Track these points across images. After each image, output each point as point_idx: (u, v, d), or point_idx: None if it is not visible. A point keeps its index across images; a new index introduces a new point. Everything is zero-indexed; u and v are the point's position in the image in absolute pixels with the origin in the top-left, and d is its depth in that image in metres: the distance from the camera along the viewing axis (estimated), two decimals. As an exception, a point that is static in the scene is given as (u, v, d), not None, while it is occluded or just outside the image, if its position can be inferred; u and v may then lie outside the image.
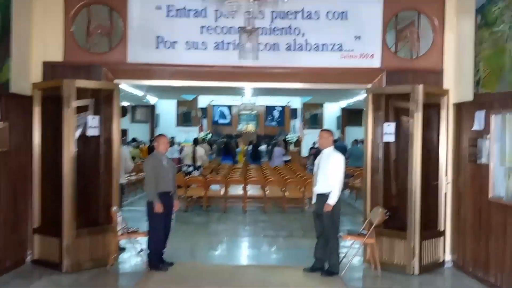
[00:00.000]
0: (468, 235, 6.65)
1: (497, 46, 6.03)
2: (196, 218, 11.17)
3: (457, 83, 7.08)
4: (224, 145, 19.97)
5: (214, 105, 26.65)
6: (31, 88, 7.00)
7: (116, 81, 7.36)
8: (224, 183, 12.01)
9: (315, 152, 15.32)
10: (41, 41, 7.16)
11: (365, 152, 7.34)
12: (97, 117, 7.08)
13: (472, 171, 6.55)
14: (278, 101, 26.25)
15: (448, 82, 7.18)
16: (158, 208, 6.63)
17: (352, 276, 6.81)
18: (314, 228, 6.83)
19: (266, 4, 4.72)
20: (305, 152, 23.63)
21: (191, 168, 13.09)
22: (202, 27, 7.29)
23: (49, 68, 7.18)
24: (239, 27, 5.64)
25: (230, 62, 7.24)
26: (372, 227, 6.67)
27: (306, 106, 25.82)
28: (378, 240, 6.79)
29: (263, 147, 23.03)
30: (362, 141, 17.50)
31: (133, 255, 7.31)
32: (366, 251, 7.16)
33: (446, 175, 7.06)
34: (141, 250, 6.99)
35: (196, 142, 13.80)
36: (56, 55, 7.21)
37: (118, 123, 7.24)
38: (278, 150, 17.76)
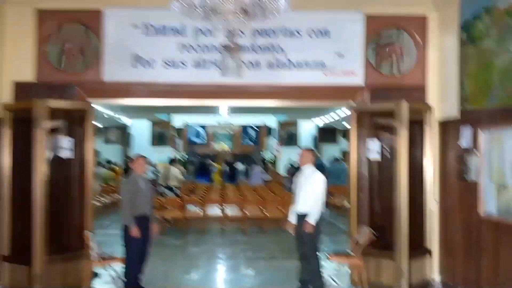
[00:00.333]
0: (457, 254, 6.51)
1: (483, 62, 5.97)
2: (173, 241, 10.83)
3: (442, 100, 7.02)
4: (200, 165, 19.67)
5: (189, 125, 26.42)
6: (1, 109, 6.70)
7: (91, 100, 7.08)
8: (201, 204, 11.71)
9: (294, 170, 15.19)
10: (13, 60, 6.91)
11: (349, 170, 7.19)
12: (70, 139, 6.81)
13: (460, 189, 6.44)
14: (253, 120, 26.18)
15: (432, 98, 7.12)
16: (135, 232, 6.34)
17: (339, 298, 6.62)
18: (297, 250, 6.62)
19: (255, 18, 4.54)
20: (282, 170, 23.50)
21: (164, 189, 12.75)
22: (181, 45, 7.09)
23: (21, 88, 6.90)
24: (222, 45, 5.45)
25: (211, 80, 7.07)
26: (359, 248, 6.48)
27: (281, 124, 25.78)
28: (364, 260, 6.60)
29: (240, 166, 22.84)
30: (341, 159, 17.58)
31: (106, 282, 6.98)
32: (353, 272, 6.96)
33: (433, 193, 6.94)
34: (118, 277, 6.65)
35: (172, 162, 13.45)
36: (29, 75, 6.94)
37: (92, 144, 6.99)
38: (257, 169, 17.54)
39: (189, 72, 7.09)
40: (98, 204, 13.47)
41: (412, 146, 6.73)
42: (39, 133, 6.33)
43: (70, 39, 7.04)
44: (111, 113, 18.52)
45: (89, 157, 6.93)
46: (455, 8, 6.53)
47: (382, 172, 7.14)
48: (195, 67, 7.09)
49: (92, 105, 7.10)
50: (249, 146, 26.59)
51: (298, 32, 7.17)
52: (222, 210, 11.76)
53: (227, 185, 17.17)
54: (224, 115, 23.28)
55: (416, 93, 7.10)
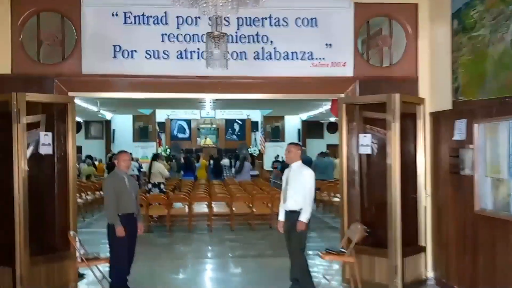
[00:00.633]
0: (451, 250, 6.33)
1: (477, 51, 5.77)
2: (159, 239, 10.57)
3: (434, 91, 6.83)
4: (185, 161, 19.34)
5: (172, 119, 26.11)
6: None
7: (70, 94, 6.76)
8: (188, 201, 11.44)
9: (282, 166, 14.97)
10: (-15, 51, 6.53)
11: (339, 165, 6.97)
12: (49, 134, 6.48)
13: (454, 183, 6.24)
14: (238, 115, 25.97)
15: (424, 90, 6.91)
16: (120, 231, 6.07)
17: (331, 297, 6.41)
18: (287, 248, 6.38)
19: (242, 5, 4.30)
20: (267, 165, 23.32)
21: (149, 186, 12.43)
22: (163, 34, 6.80)
23: (-5, 81, 6.54)
24: (207, 33, 5.17)
25: (195, 72, 6.78)
26: (351, 245, 6.27)
27: (266, 119, 25.60)
28: (357, 258, 6.39)
29: (226, 161, 22.57)
30: (327, 154, 17.39)
31: (92, 282, 6.72)
32: (345, 270, 6.75)
33: (425, 187, 6.76)
34: (103, 278, 6.39)
35: (156, 157, 13.13)
36: (3, 67, 6.57)
37: (74, 140, 6.69)
38: (247, 165, 17.26)
39: (172, 63, 6.79)
40: (80, 201, 13.16)
41: (403, 139, 6.50)
42: (18, 128, 6.01)
43: (47, 28, 6.72)
44: (92, 107, 18.11)
45: (71, 153, 6.62)
46: (447, -5, 6.33)
47: (373, 166, 6.93)
48: (178, 58, 6.80)
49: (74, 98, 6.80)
50: (234, 141, 26.39)
51: (285, 22, 6.91)
52: (210, 207, 11.47)
53: (213, 182, 16.86)
54: (208, 110, 23.06)
55: (407, 84, 6.89)
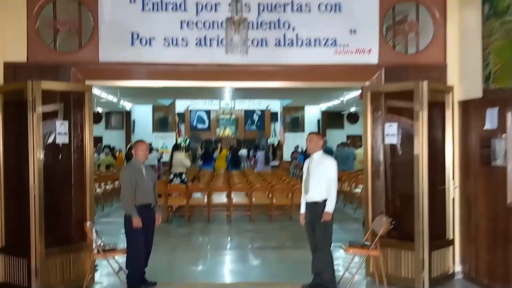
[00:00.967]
0: (481, 244, 6.08)
1: (510, 37, 5.48)
2: (178, 230, 10.47)
3: (463, 79, 6.54)
4: (204, 151, 19.23)
5: (191, 110, 26.04)
6: (-9, 91, 6.27)
7: (87, 82, 6.63)
8: (207, 191, 11.30)
9: (304, 156, 14.75)
10: (1, 39, 6.41)
11: (364, 156, 6.74)
12: (66, 123, 6.36)
13: (485, 174, 5.98)
14: (257, 105, 25.78)
15: (453, 78, 6.62)
16: (136, 223, 5.94)
17: (354, 292, 6.21)
18: (308, 241, 6.17)
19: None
20: (286, 156, 23.12)
21: (171, 176, 12.33)
22: (182, 21, 6.61)
23: (11, 69, 6.42)
24: (226, 18, 4.98)
25: (214, 59, 6.60)
26: (376, 238, 6.05)
27: (286, 109, 25.36)
28: (382, 252, 6.18)
29: (243, 152, 22.43)
30: (347, 144, 17.13)
31: (108, 274, 6.64)
32: (369, 264, 6.53)
33: (453, 179, 6.50)
34: (120, 269, 6.27)
35: (177, 147, 13.02)
36: (19, 55, 6.45)
37: (91, 130, 6.53)
38: (261, 155, 17.10)
39: (190, 51, 6.60)
40: (99, 190, 13.15)
41: (430, 128, 6.24)
42: (34, 117, 5.89)
43: (63, 16, 6.57)
44: (113, 98, 18.10)
45: (88, 143, 6.49)
46: (477, -23, 6.04)
47: (398, 157, 6.68)
48: (197, 46, 6.61)
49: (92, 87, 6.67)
50: (253, 131, 26.24)
51: (307, 7, 6.66)
52: (229, 198, 11.33)
53: (232, 172, 16.72)
54: (228, 100, 22.91)
55: (434, 72, 6.61)
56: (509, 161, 5.43)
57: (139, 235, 6.02)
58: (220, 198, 11.80)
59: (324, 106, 24.21)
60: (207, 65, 6.70)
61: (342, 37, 6.68)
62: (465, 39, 6.51)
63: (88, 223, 6.19)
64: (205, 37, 6.63)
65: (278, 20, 6.68)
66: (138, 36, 6.58)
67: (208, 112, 26.32)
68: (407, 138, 6.42)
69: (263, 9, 6.65)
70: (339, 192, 13.61)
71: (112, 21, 6.57)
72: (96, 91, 14.66)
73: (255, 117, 26.46)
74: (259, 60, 6.61)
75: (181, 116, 25.39)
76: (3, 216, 6.28)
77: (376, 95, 6.67)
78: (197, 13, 6.61)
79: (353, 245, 6.24)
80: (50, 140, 6.34)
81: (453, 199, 6.53)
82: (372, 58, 6.70)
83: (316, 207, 5.95)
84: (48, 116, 6.26)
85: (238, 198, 11.91)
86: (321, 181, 5.97)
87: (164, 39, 6.59)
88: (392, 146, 6.67)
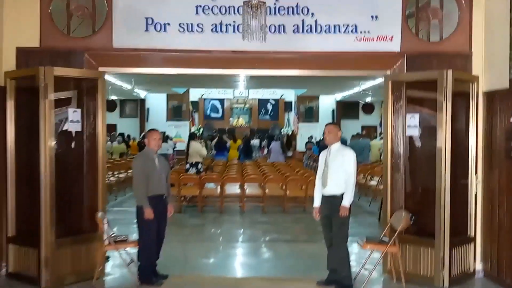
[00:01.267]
0: (504, 242, 5.86)
1: (541, 24, 5.23)
2: (190, 220, 10.34)
3: (489, 69, 6.28)
4: (218, 141, 19.09)
5: (205, 99, 25.89)
6: (3, 77, 6.15)
7: (100, 69, 6.47)
8: (220, 182, 11.16)
9: (320, 147, 14.52)
10: (14, 24, 6.29)
11: (384, 148, 6.53)
12: (78, 110, 6.22)
13: (510, 169, 5.75)
14: (271, 94, 25.55)
15: (478, 67, 6.36)
16: (148, 214, 5.80)
17: (371, 289, 6.02)
18: (324, 235, 5.99)
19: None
20: (300, 146, 22.90)
21: (187, 166, 12.20)
22: (198, 6, 6.41)
23: (24, 54, 6.29)
24: (244, 1, 4.78)
25: (230, 46, 6.42)
26: (395, 234, 5.85)
27: (300, 99, 25.09)
28: (401, 248, 5.98)
29: (255, 142, 22.25)
30: (363, 135, 16.87)
31: (119, 266, 6.52)
32: (387, 260, 6.33)
33: (476, 173, 6.26)
34: (131, 261, 6.15)
35: (193, 137, 12.89)
36: (32, 39, 6.32)
37: (104, 117, 6.38)
38: (275, 145, 16.91)
39: (206, 37, 6.41)
40: (113, 179, 13.08)
41: (454, 120, 6.01)
42: (46, 104, 5.77)
43: (77, 0, 6.40)
44: (126, 85, 18.01)
45: (101, 131, 6.35)
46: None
47: (419, 149, 6.46)
48: (213, 32, 6.43)
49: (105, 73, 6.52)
50: (266, 121, 26.04)
51: (327, -9, 6.44)
52: (242, 189, 11.17)
53: (246, 162, 16.56)
54: (242, 89, 22.69)
55: (458, 61, 6.36)
56: (537, 155, 5.20)
57: (151, 226, 5.89)
58: (233, 188, 11.63)
59: (339, 96, 23.92)
60: (223, 51, 6.51)
61: (363, 24, 6.45)
62: (491, 26, 6.24)
63: (99, 214, 6.04)
64: (221, 23, 6.44)
65: (297, 5, 6.47)
66: (152, 21, 6.41)
67: (222, 101, 26.16)
68: (429, 130, 6.19)
69: (281, -6, 6.44)
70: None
71: (126, 6, 6.40)
72: (111, 78, 14.56)
73: (269, 107, 26.26)
74: (276, 47, 6.41)
75: (195, 104, 25.26)
76: (14, 204, 6.19)
77: (397, 84, 6.42)
78: (213, -2, 6.42)
79: (371, 241, 6.04)
80: (63, 127, 6.21)
81: (475, 194, 6.30)
82: (394, 45, 6.46)
83: (334, 201, 5.76)
84: (60, 103, 6.15)
85: (251, 189, 11.75)
86: (339, 173, 5.78)
87: (179, 25, 6.41)
88: (411, 139, 6.44)
